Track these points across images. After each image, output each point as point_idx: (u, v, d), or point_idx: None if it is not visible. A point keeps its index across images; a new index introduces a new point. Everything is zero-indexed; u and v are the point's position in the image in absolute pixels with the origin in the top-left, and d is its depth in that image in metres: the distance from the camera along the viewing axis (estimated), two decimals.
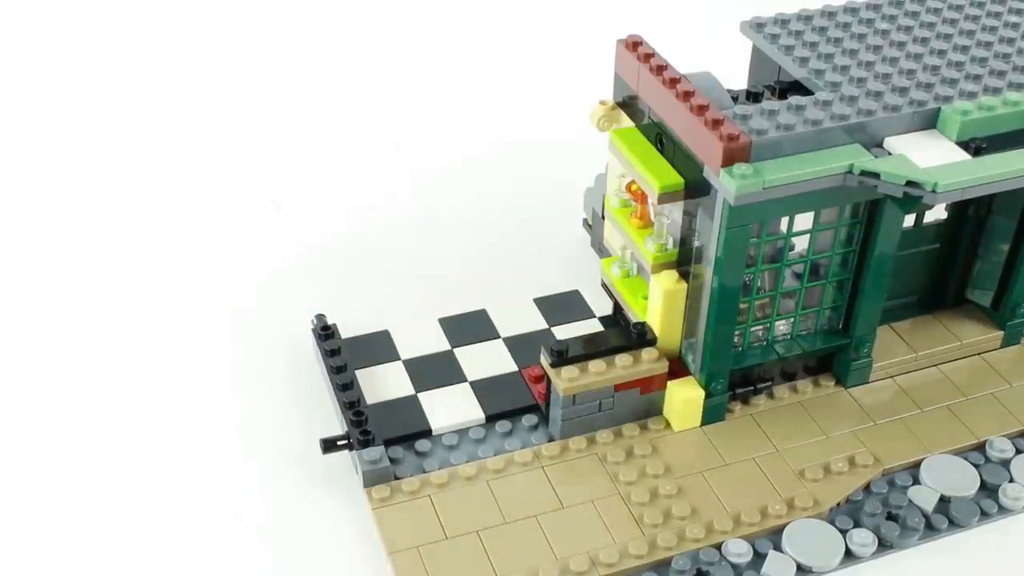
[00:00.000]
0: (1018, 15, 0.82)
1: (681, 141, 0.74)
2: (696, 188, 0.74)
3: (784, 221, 0.76)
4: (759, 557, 0.72)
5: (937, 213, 0.85)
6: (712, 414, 0.80)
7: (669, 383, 0.79)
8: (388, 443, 0.78)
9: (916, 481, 0.77)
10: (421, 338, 0.88)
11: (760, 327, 0.81)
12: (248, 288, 0.95)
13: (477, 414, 0.81)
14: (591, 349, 0.78)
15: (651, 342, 0.79)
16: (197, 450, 0.80)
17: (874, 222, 0.76)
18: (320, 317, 0.87)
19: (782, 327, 0.82)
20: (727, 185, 0.69)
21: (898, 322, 0.87)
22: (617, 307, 0.89)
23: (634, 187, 0.82)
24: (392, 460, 0.77)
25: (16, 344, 0.89)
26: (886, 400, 0.83)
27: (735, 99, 0.78)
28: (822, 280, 0.80)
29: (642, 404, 0.80)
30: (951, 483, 0.76)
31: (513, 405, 0.82)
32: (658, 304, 0.78)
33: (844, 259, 0.79)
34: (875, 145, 0.72)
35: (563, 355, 0.77)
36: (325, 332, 0.85)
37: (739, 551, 0.71)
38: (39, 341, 0.90)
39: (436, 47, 1.34)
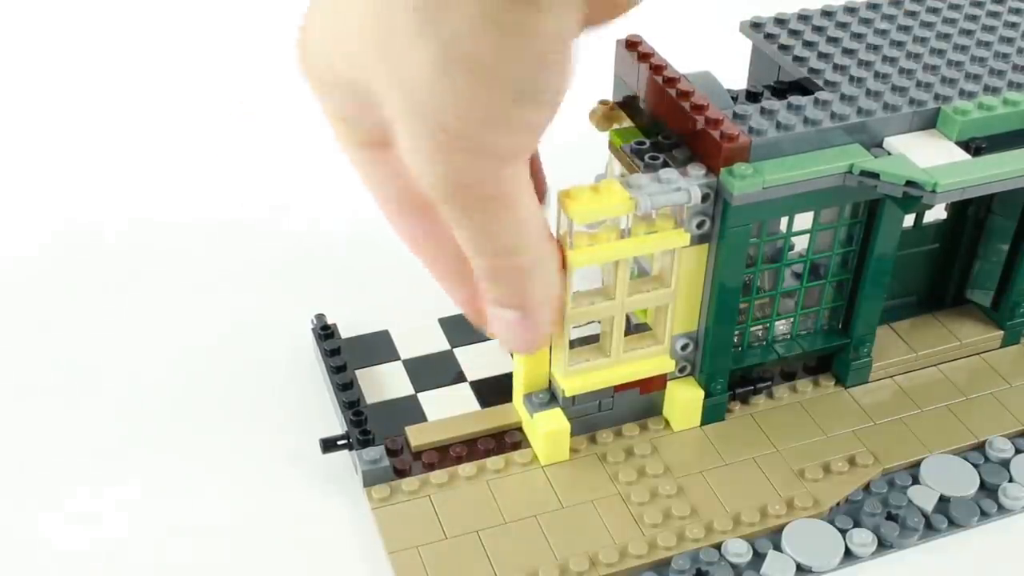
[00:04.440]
0: (1017, 15, 0.82)
1: (681, 141, 0.74)
2: None
3: (784, 221, 0.76)
4: (759, 557, 0.72)
5: (937, 213, 0.85)
6: (712, 414, 0.80)
7: (669, 383, 0.79)
8: None
9: (916, 481, 0.77)
10: (421, 338, 0.88)
11: (760, 327, 0.81)
12: (248, 288, 0.95)
13: None
14: None
15: None
16: (197, 450, 0.80)
17: (874, 222, 0.76)
18: (320, 317, 0.87)
19: (782, 327, 0.82)
20: (727, 185, 0.69)
21: (898, 322, 0.87)
22: None
23: None
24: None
25: (17, 343, 0.90)
26: (886, 400, 0.83)
27: (735, 99, 0.78)
28: (822, 280, 0.80)
29: (642, 404, 0.80)
30: (951, 483, 0.76)
31: None
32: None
33: (844, 259, 0.79)
34: (875, 145, 0.72)
35: None
36: (325, 332, 0.85)
37: (739, 551, 0.71)
38: (39, 341, 0.90)
39: None
